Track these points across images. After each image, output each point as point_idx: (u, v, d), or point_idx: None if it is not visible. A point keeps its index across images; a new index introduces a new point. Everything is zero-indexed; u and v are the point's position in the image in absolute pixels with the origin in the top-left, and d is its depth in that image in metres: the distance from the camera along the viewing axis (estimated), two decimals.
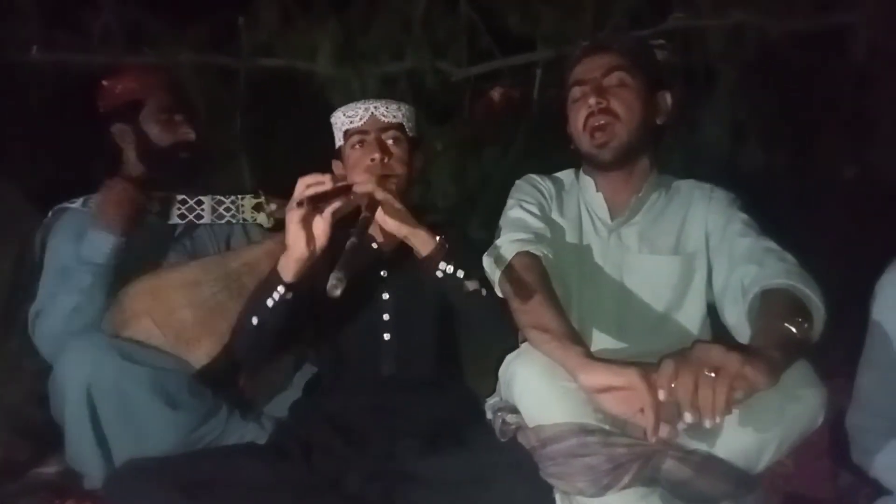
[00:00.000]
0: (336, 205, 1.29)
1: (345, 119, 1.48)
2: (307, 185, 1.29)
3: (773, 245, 1.34)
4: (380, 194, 1.30)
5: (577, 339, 1.18)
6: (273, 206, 1.71)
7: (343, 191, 1.31)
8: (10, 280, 1.61)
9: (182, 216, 1.66)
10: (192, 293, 1.56)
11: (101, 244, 1.53)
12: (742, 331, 1.28)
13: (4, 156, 2.10)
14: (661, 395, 1.05)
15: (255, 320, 1.35)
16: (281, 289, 1.32)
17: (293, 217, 1.28)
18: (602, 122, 1.41)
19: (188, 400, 1.47)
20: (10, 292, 1.58)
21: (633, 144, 1.43)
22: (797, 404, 1.15)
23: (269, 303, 1.33)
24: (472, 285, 1.33)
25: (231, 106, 2.33)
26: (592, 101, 1.40)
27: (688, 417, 1.02)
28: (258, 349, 1.42)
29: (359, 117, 1.46)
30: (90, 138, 1.77)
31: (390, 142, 1.46)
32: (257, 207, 1.71)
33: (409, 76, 2.32)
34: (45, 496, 1.44)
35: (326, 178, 1.29)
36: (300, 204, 1.25)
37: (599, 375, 1.09)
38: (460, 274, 1.33)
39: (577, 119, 1.45)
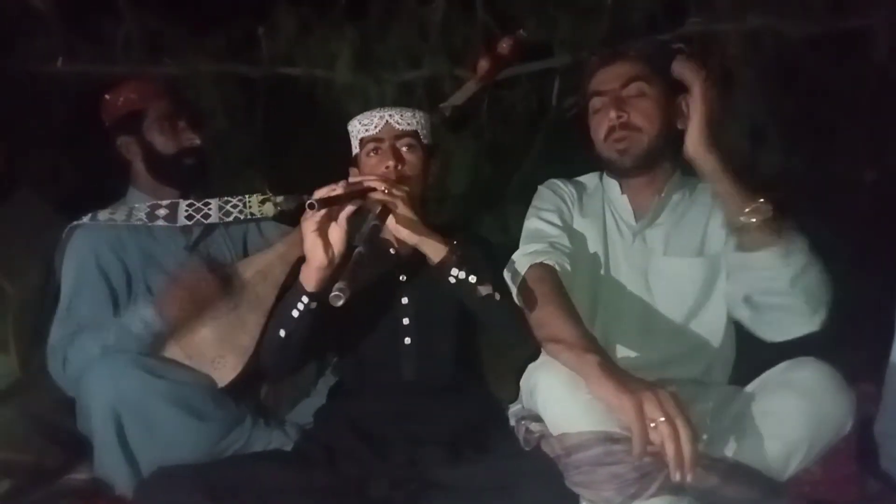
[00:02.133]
0: (349, 209, 1.30)
1: (360, 127, 1.49)
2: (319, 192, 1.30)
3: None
4: (390, 201, 1.31)
5: (590, 346, 1.18)
6: (280, 199, 1.72)
7: (356, 195, 1.31)
8: (40, 291, 1.62)
9: (189, 217, 1.66)
10: (210, 310, 1.57)
11: (145, 323, 1.51)
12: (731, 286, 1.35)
13: (30, 166, 2.13)
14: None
15: (282, 332, 1.36)
16: (305, 299, 1.33)
17: (308, 226, 1.28)
18: (623, 135, 1.42)
19: (213, 411, 1.48)
20: (40, 303, 1.59)
21: (654, 151, 1.44)
22: (825, 411, 1.16)
23: (295, 314, 1.34)
24: (484, 290, 1.33)
25: (251, 114, 2.35)
26: (613, 114, 1.41)
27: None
28: (286, 360, 1.43)
29: (374, 125, 1.47)
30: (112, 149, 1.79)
31: (405, 149, 1.46)
32: (264, 202, 1.71)
33: (426, 83, 2.33)
34: (76, 502, 1.46)
35: (338, 184, 1.30)
36: (311, 206, 1.23)
37: (603, 390, 1.11)
38: (472, 279, 1.33)
39: (599, 131, 1.46)
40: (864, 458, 1.36)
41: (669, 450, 1.05)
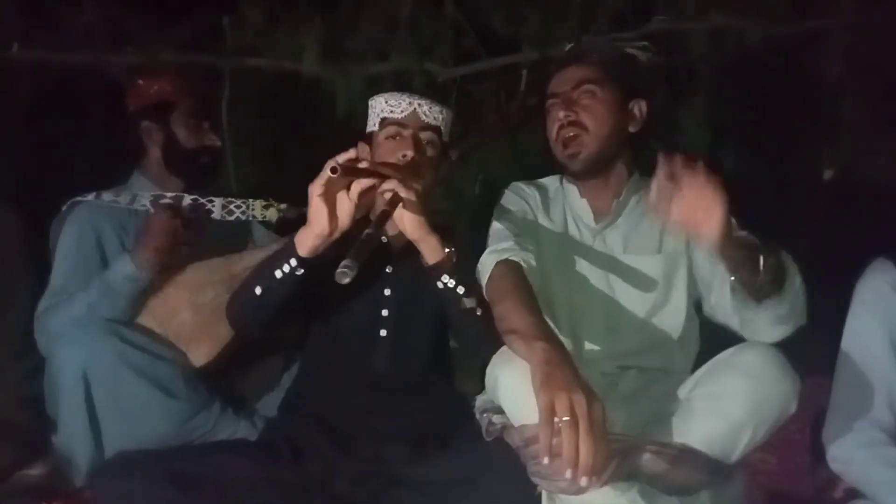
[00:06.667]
0: (364, 184, 1.25)
1: (386, 106, 1.44)
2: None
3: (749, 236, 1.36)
4: (404, 192, 1.27)
5: (541, 334, 1.18)
6: (283, 206, 1.72)
7: (377, 175, 1.27)
8: None
9: (193, 209, 1.67)
10: (195, 295, 1.56)
11: (126, 277, 1.51)
12: (725, 310, 1.32)
13: None
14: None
15: (258, 289, 1.32)
16: (293, 262, 1.27)
17: (315, 189, 1.23)
18: (571, 133, 1.46)
19: (182, 389, 1.48)
20: None
21: (604, 154, 1.48)
22: (767, 390, 1.17)
23: (278, 273, 1.29)
24: (469, 303, 1.33)
25: (215, 106, 2.32)
26: (562, 114, 1.46)
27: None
28: (255, 318, 1.38)
29: (401, 109, 1.43)
30: (71, 136, 1.76)
31: (426, 143, 1.43)
32: (267, 207, 1.72)
33: (395, 77, 2.32)
34: (31, 498, 1.43)
35: (357, 154, 1.25)
36: (333, 171, 1.17)
37: (534, 382, 1.11)
38: (460, 290, 1.33)
39: (551, 130, 1.50)
40: (818, 449, 1.39)
41: (564, 450, 1.04)
